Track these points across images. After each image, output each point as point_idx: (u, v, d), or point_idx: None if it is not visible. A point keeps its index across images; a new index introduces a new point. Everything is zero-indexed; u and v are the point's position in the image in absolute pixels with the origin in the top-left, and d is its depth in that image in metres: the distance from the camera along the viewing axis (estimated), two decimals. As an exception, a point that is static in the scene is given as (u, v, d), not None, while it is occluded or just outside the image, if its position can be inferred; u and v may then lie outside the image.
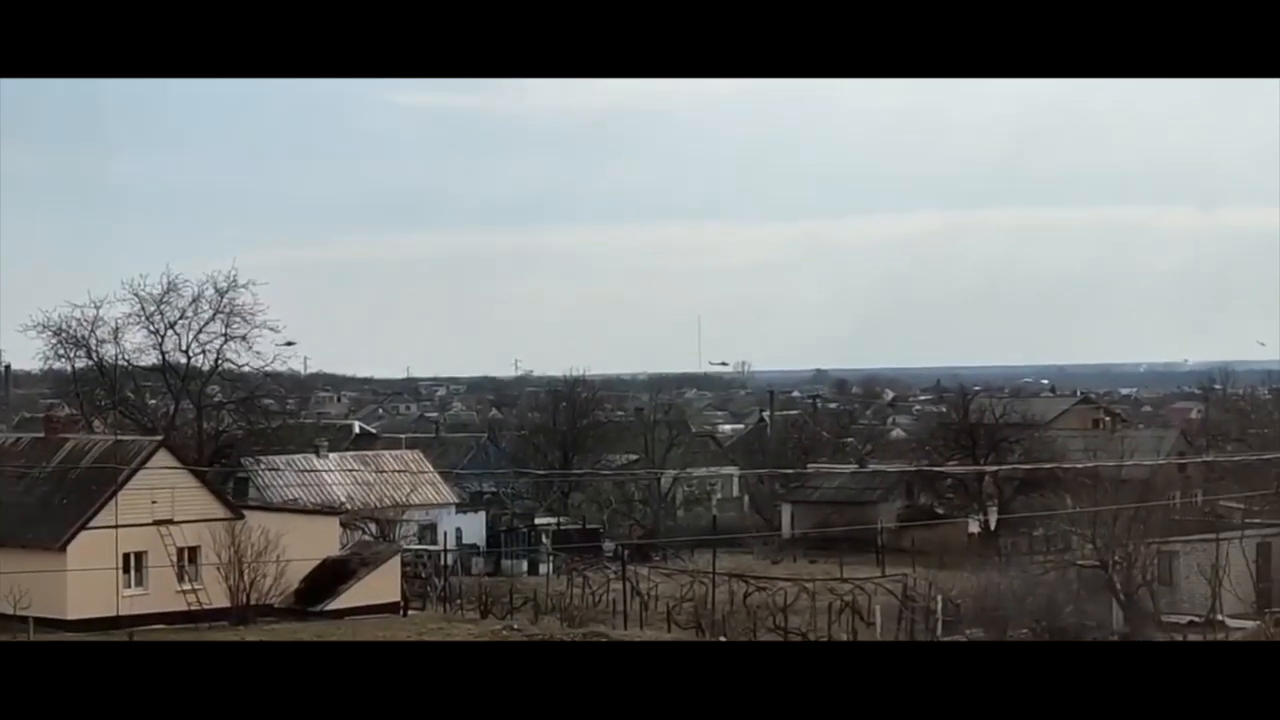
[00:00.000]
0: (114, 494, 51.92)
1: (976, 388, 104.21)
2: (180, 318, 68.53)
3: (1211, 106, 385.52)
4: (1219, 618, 49.41)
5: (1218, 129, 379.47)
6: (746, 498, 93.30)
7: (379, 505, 69.07)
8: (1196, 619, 49.48)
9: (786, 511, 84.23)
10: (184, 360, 69.18)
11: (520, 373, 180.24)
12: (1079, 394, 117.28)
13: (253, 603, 52.36)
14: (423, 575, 62.15)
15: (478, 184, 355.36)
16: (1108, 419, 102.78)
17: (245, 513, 54.97)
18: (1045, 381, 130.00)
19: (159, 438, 57.23)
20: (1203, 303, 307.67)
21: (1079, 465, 70.98)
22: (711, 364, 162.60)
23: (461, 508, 76.00)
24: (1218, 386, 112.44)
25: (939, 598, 53.86)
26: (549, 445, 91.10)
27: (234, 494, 61.85)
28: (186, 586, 52.35)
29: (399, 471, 74.16)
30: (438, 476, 76.12)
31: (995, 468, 78.07)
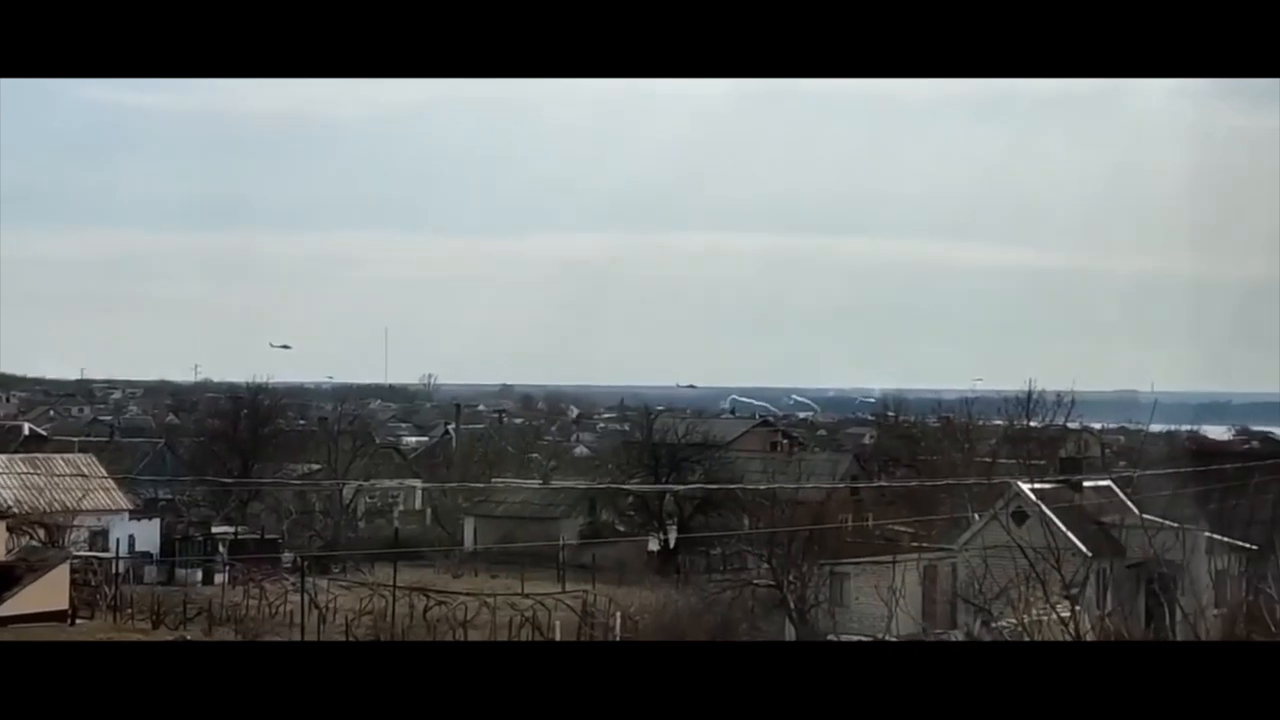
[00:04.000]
0: None
1: (660, 407, 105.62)
2: None
3: (883, 139, 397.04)
4: (889, 639, 50.84)
5: (889, 162, 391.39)
6: (429, 510, 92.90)
7: (48, 510, 66.93)
8: (866, 639, 50.82)
9: (469, 525, 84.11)
10: None
11: (200, 378, 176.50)
12: (758, 417, 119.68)
13: (-90, 609, 50.22)
14: (93, 583, 60.45)
15: (160, 184, 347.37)
16: (785, 442, 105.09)
17: (-95, 515, 52.73)
18: (727, 401, 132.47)
19: None
20: (882, 330, 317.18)
21: (757, 486, 72.45)
22: (680, 385, 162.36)
23: (135, 514, 74.02)
24: (890, 413, 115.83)
25: (618, 614, 54.39)
26: (228, 453, 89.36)
27: (-107, 495, 59.25)
28: None
29: (70, 475, 71.91)
30: (111, 482, 74.06)
31: (676, 487, 79.22)
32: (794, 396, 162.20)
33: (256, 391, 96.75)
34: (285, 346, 64.70)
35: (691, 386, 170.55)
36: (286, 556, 72.57)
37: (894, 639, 48.85)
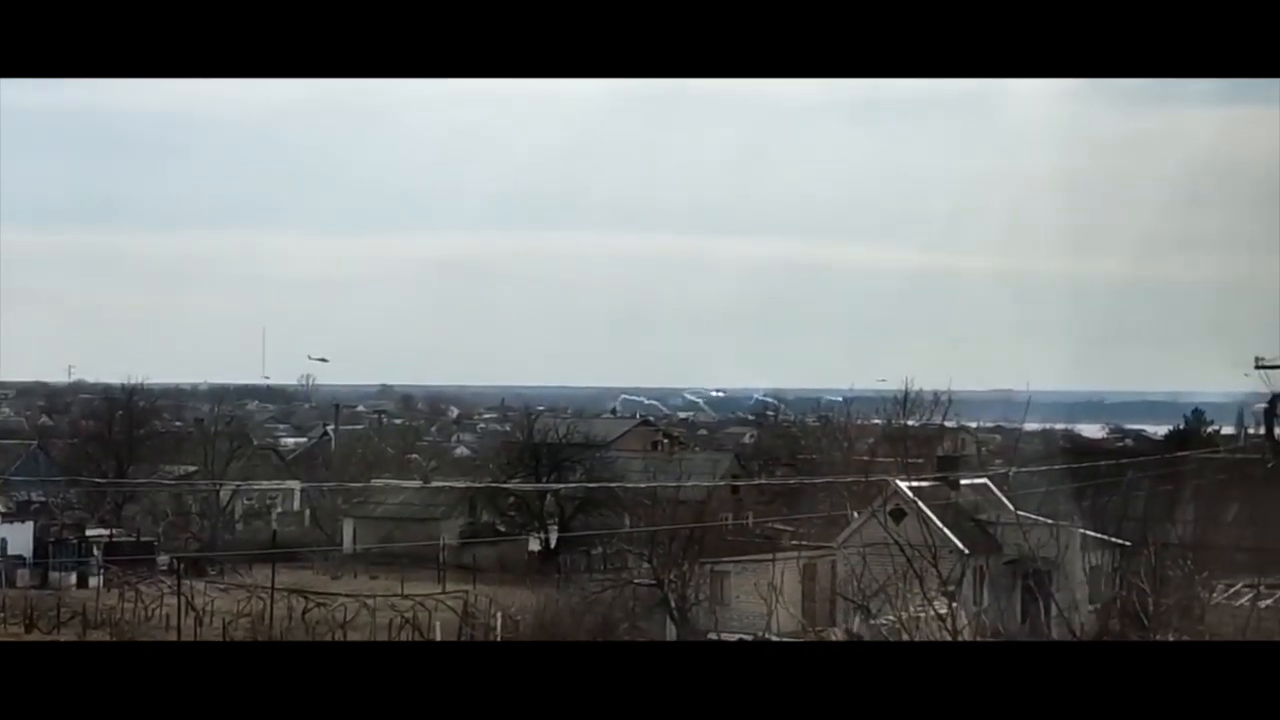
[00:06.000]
0: None
1: (540, 407, 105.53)
2: None
3: (761, 140, 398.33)
4: (769, 636, 51.06)
5: (769, 163, 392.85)
6: (308, 512, 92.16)
7: (-83, 513, 65.76)
8: (747, 637, 51.01)
9: (349, 527, 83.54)
10: None
11: (74, 379, 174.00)
12: (639, 416, 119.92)
13: None
14: (-37, 587, 59.48)
15: (30, 181, 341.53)
16: (666, 441, 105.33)
17: None
18: (618, 401, 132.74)
19: None
20: (766, 331, 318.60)
21: (638, 485, 72.57)
22: (712, 391, 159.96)
23: (7, 517, 72.97)
24: (771, 413, 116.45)
25: (498, 614, 54.29)
26: (103, 454, 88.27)
27: None
28: None
29: (-60, 478, 70.77)
30: (-18, 484, 72.96)
31: (557, 486, 79.16)
32: (684, 395, 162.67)
33: (131, 393, 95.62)
34: (323, 359, 63.12)
35: (721, 392, 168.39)
36: (163, 559, 71.78)
37: (774, 637, 49.02)
